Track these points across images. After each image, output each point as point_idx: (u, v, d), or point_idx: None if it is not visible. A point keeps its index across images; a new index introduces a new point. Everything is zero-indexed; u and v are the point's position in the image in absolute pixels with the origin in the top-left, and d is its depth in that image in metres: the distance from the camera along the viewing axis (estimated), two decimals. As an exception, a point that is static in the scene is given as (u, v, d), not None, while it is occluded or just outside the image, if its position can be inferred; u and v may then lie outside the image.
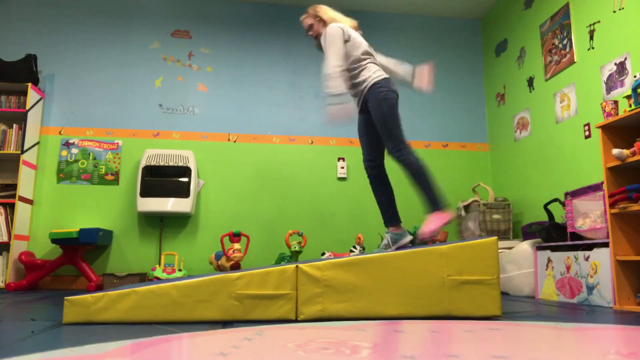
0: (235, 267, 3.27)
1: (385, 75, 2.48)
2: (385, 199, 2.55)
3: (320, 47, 2.60)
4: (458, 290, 1.96)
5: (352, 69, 2.49)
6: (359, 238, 3.87)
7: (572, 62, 3.55)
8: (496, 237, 2.04)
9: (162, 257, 3.86)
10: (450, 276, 1.97)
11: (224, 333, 1.50)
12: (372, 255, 2.01)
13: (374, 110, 2.43)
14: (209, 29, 4.61)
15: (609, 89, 3.18)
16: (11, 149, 3.96)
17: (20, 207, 3.84)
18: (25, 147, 3.93)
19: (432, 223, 2.26)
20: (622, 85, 3.06)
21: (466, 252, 1.99)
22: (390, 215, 2.51)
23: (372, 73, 2.47)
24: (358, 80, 2.48)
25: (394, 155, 2.37)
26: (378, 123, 2.42)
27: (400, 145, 2.36)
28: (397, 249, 2.35)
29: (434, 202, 2.30)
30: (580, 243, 2.81)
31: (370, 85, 2.44)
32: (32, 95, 4.02)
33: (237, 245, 3.40)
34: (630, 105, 2.53)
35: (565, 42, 3.64)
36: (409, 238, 2.44)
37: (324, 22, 2.59)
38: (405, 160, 2.33)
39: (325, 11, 2.63)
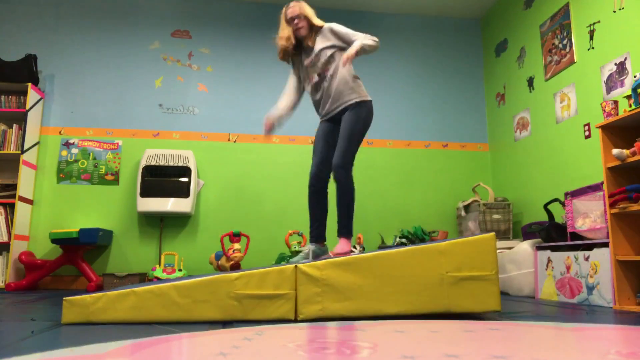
0: (235, 267, 3.28)
1: (370, 98, 2.56)
2: (321, 212, 2.61)
3: (288, 49, 2.61)
4: (457, 286, 1.96)
5: (351, 80, 2.51)
6: (359, 238, 3.87)
7: (572, 62, 3.55)
8: (494, 233, 2.05)
9: (162, 257, 3.86)
10: (449, 273, 1.97)
11: (224, 333, 1.50)
12: (370, 254, 2.01)
13: (348, 123, 2.47)
14: (209, 29, 4.61)
15: (609, 89, 3.18)
16: (11, 149, 3.96)
17: (20, 207, 3.83)
18: (25, 147, 3.93)
19: (344, 246, 2.45)
20: (622, 85, 3.06)
21: (464, 248, 2.00)
22: (320, 230, 2.59)
23: (362, 90, 2.54)
24: (350, 91, 2.50)
25: (339, 171, 2.43)
26: (344, 136, 2.46)
27: (349, 167, 2.45)
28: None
29: (348, 229, 2.48)
30: (580, 243, 2.81)
31: (359, 100, 2.49)
32: (32, 95, 4.02)
33: (237, 245, 3.40)
34: (630, 105, 2.53)
35: (565, 42, 3.64)
36: (328, 255, 2.54)
37: (313, 27, 2.58)
38: (346, 181, 2.44)
39: (314, 16, 2.60)
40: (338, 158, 2.44)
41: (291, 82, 2.76)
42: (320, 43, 2.55)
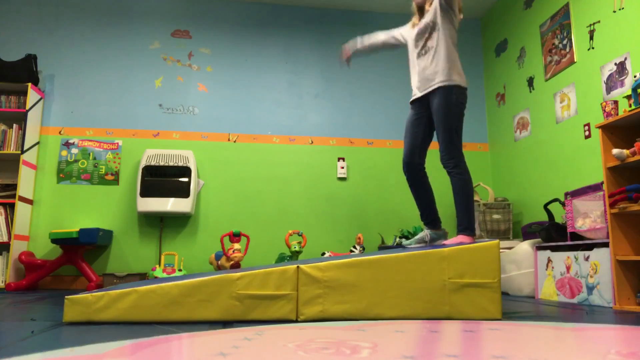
0: (235, 267, 3.28)
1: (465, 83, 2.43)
2: (425, 197, 2.51)
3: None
4: (459, 293, 1.95)
5: (448, 56, 2.42)
6: (359, 238, 3.87)
7: (572, 62, 3.55)
8: (498, 241, 2.03)
9: (162, 257, 3.86)
10: (452, 279, 1.96)
11: (224, 333, 1.50)
12: (373, 257, 2.01)
13: (440, 111, 2.39)
14: (209, 29, 4.61)
15: (609, 89, 3.18)
16: (11, 149, 3.95)
17: (20, 207, 3.83)
18: (25, 147, 3.93)
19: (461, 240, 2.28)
20: (622, 85, 3.06)
21: (467, 255, 1.99)
22: (430, 214, 2.49)
23: (459, 68, 2.42)
24: (444, 70, 2.39)
25: (449, 165, 2.36)
26: (442, 127, 2.39)
27: (460, 158, 2.38)
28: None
29: (467, 224, 2.31)
30: (580, 243, 2.81)
31: (450, 84, 2.38)
32: (32, 95, 4.02)
33: (237, 245, 3.41)
34: (630, 105, 2.53)
35: (565, 42, 3.64)
36: (445, 239, 2.44)
37: None
38: (461, 175, 2.35)
39: None
40: (444, 153, 2.38)
41: (388, 34, 2.71)
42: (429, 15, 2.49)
